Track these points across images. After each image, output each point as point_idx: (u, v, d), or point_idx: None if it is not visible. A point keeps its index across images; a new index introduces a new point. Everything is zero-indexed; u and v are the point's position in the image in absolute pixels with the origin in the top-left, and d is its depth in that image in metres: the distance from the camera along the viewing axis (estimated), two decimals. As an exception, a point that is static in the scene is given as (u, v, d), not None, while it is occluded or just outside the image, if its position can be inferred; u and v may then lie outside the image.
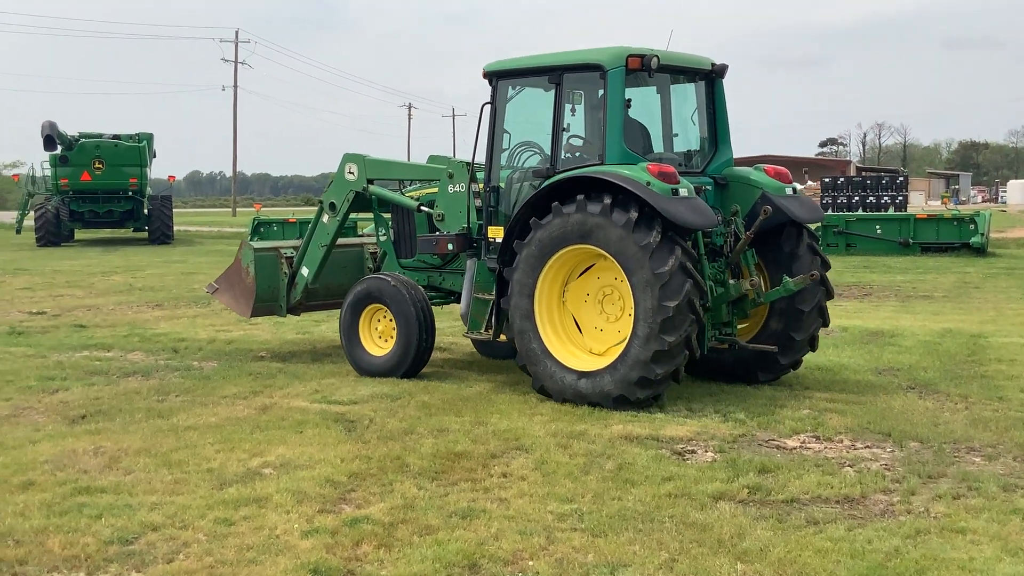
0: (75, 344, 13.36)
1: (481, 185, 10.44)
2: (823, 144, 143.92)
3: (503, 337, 10.09)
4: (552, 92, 9.87)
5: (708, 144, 10.37)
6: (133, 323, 15.52)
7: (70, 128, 38.35)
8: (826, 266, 10.08)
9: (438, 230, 11.03)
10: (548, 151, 10.03)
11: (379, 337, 11.05)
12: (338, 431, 8.46)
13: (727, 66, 10.29)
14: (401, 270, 11.64)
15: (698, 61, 10.16)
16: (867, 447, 8.00)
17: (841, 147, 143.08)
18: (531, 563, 5.63)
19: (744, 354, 9.98)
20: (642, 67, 9.42)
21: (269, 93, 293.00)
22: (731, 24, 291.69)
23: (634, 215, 8.86)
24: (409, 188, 12.06)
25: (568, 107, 9.95)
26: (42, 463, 7.49)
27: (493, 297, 10.14)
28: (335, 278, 12.28)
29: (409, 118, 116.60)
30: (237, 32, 79.21)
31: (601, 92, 9.55)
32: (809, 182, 65.02)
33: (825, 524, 6.21)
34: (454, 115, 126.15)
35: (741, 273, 9.79)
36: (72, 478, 7.12)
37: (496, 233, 10.19)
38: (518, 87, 10.36)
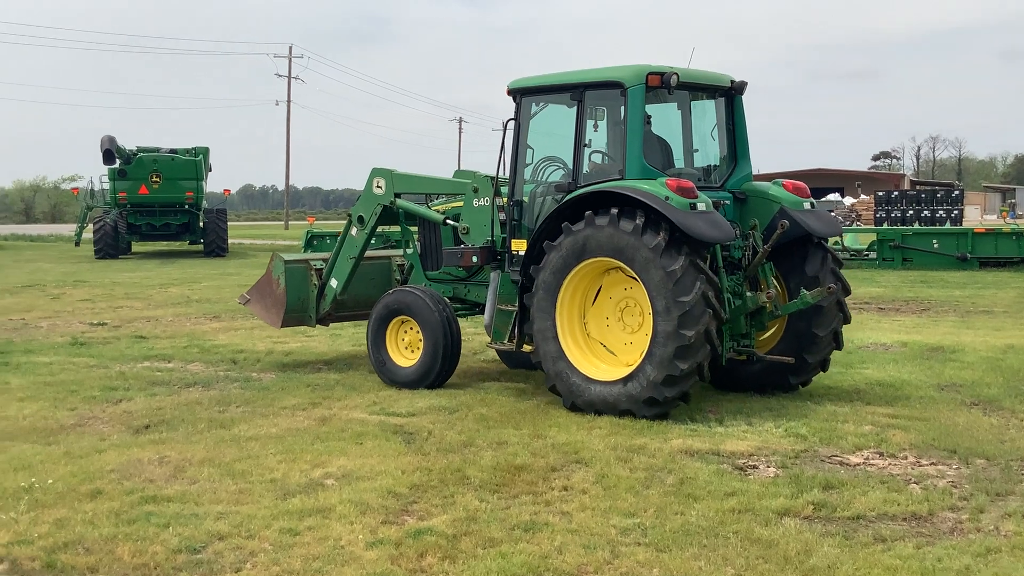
0: (136, 355, 13.55)
1: (505, 199, 10.64)
2: (876, 157, 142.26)
3: (527, 347, 10.22)
4: (574, 109, 10.08)
5: (728, 159, 10.56)
6: (192, 334, 15.72)
7: (128, 142, 38.98)
8: (846, 291, 10.20)
9: (463, 243, 11.25)
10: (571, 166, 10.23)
11: (406, 348, 11.23)
12: (398, 443, 8.51)
13: (746, 83, 10.48)
14: (427, 282, 11.88)
15: (717, 78, 10.36)
16: (932, 464, 7.89)
17: (895, 161, 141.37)
18: (596, 577, 5.62)
19: (758, 368, 10.18)
20: (662, 84, 9.63)
21: (321, 107, 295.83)
22: (782, 36, 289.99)
23: (640, 221, 9.07)
24: (435, 202, 12.38)
25: (591, 123, 10.21)
26: (109, 472, 7.60)
27: (516, 308, 10.31)
28: (363, 289, 12.50)
29: (460, 132, 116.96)
30: (291, 48, 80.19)
31: (622, 109, 9.72)
32: (862, 196, 64.37)
33: (893, 542, 6.13)
34: (504, 129, 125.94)
35: (759, 286, 9.95)
36: (139, 487, 7.22)
37: (519, 246, 10.41)
38: (541, 103, 10.59)
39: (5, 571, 5.73)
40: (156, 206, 38.46)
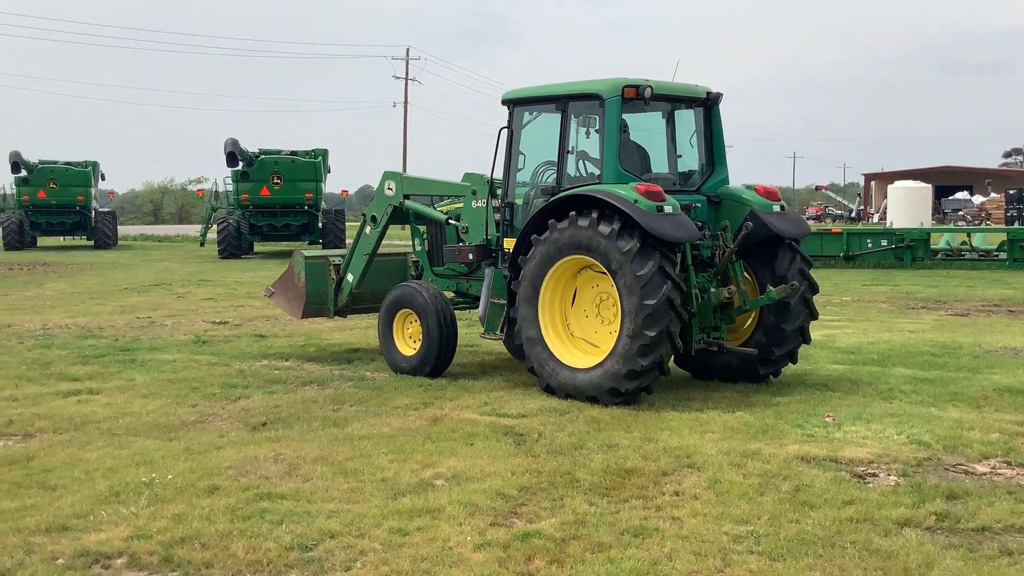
0: (255, 353, 13.85)
1: (499, 201, 11.48)
2: (1007, 154, 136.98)
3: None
4: (559, 118, 10.85)
5: (705, 165, 11.26)
6: (309, 334, 15.99)
7: (251, 145, 39.95)
8: (814, 290, 10.88)
9: (464, 241, 12.04)
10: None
11: (410, 339, 12.06)
12: (508, 444, 8.50)
13: (721, 94, 11.16)
14: (434, 278, 12.78)
15: (693, 90, 11.08)
16: (1064, 475, 7.53)
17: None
18: (706, 585, 5.51)
19: (729, 358, 10.94)
20: (637, 96, 10.34)
21: (437, 108, 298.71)
22: (911, 27, 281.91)
23: (617, 226, 9.75)
24: (442, 203, 13.27)
25: (583, 131, 10.97)
26: (226, 468, 7.76)
27: (507, 302, 11.05)
28: (379, 284, 13.26)
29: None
30: (408, 50, 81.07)
31: (601, 119, 10.43)
32: (992, 194, 62.15)
33: (1020, 555, 5.87)
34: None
35: (729, 282, 10.56)
36: (254, 484, 7.35)
37: (511, 244, 11.12)
38: (534, 112, 11.37)
39: (124, 565, 5.90)
40: (277, 207, 39.32)
